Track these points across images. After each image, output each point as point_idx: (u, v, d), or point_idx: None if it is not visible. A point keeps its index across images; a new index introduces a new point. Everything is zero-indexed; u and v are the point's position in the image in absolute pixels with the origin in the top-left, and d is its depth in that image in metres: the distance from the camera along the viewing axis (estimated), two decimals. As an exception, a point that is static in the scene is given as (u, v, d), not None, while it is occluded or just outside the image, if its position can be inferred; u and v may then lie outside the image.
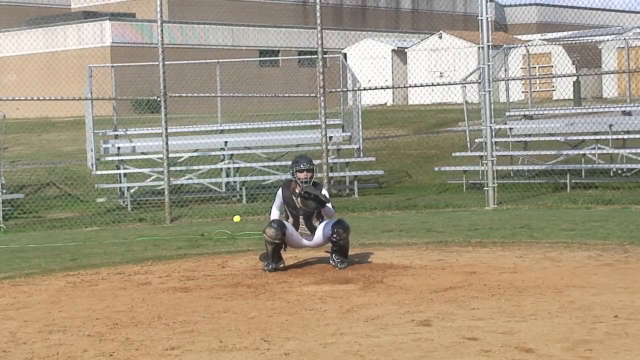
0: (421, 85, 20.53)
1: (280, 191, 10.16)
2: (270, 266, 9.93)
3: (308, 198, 9.89)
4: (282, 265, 10.02)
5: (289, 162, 20.98)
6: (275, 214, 10.17)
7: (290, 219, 10.10)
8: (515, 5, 70.46)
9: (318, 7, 16.63)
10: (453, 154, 20.41)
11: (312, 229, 10.12)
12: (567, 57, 40.47)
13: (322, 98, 16.99)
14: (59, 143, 28.21)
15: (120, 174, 19.76)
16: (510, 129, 20.81)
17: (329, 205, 10.05)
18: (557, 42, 40.04)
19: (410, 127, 29.47)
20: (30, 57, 48.64)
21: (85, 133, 21.15)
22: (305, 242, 10.19)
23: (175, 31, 49.20)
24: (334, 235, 9.93)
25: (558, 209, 15.56)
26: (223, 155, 20.47)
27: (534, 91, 30.92)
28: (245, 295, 8.57)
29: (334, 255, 10.05)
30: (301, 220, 10.10)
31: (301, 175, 9.96)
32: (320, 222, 10.13)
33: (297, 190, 9.96)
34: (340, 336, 6.80)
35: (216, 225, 14.76)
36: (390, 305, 7.87)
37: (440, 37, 49.57)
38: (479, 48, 17.34)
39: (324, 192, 10.10)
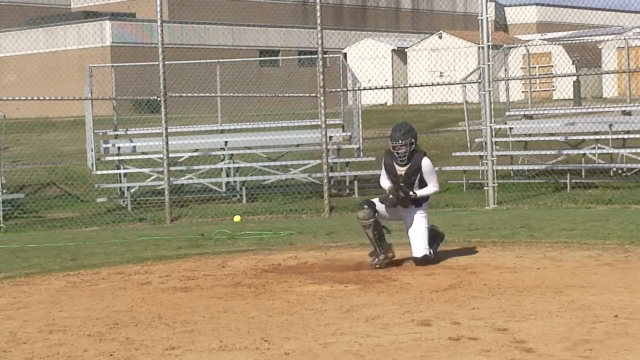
0: (421, 85, 20.54)
1: (383, 158, 9.91)
2: (377, 260, 9.68)
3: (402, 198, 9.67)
4: (391, 255, 9.74)
5: (289, 162, 21.10)
6: (385, 183, 9.93)
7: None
8: (515, 5, 70.49)
9: (318, 7, 16.62)
10: (453, 154, 20.41)
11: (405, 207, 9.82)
12: (567, 57, 40.49)
13: (322, 98, 16.98)
14: (59, 143, 28.21)
15: (120, 173, 19.75)
16: (510, 128, 20.81)
17: (423, 192, 9.74)
18: (557, 42, 40.04)
19: (410, 127, 29.41)
20: (31, 57, 48.66)
21: (85, 133, 21.15)
22: (402, 213, 9.91)
23: (176, 31, 49.23)
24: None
25: (558, 208, 15.55)
26: (223, 155, 20.46)
27: (534, 91, 30.91)
28: (245, 295, 8.57)
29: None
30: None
31: (395, 150, 9.66)
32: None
33: (395, 165, 9.71)
34: (340, 336, 6.80)
35: (216, 225, 14.76)
36: (391, 305, 7.87)
37: (440, 37, 49.61)
38: (479, 48, 17.34)
39: (425, 168, 9.69)
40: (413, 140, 9.69)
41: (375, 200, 9.91)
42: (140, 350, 6.62)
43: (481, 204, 16.45)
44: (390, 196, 9.74)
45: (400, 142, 9.66)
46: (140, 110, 26.02)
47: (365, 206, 9.79)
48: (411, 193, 9.73)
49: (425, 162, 9.76)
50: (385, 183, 9.92)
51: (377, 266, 9.72)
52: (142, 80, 24.88)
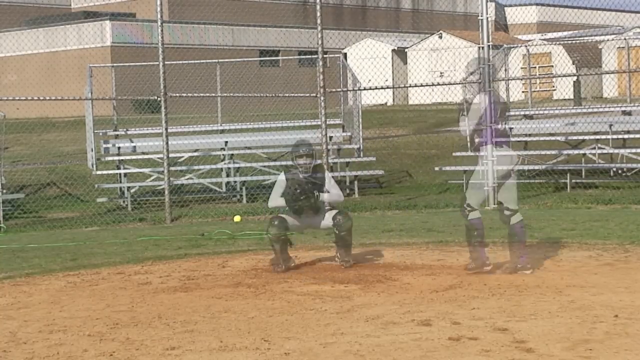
0: (421, 85, 20.54)
1: (282, 175, 10.11)
2: (282, 267, 9.91)
3: (310, 189, 9.87)
4: (292, 265, 10.05)
5: (289, 162, 21.08)
6: (276, 201, 10.09)
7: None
8: (516, 5, 70.45)
9: (318, 7, 16.62)
10: (453, 154, 20.39)
11: (317, 210, 10.02)
12: (567, 57, 40.46)
13: (322, 98, 16.98)
14: (59, 143, 28.19)
15: (120, 173, 19.75)
16: (511, 128, 20.78)
17: (331, 191, 9.97)
18: (557, 42, 40.03)
19: (410, 126, 29.46)
20: (31, 57, 48.64)
21: (86, 133, 21.15)
22: (312, 221, 10.08)
23: (176, 31, 49.23)
24: (335, 223, 9.89)
25: (558, 208, 15.55)
26: (223, 155, 20.46)
27: (534, 91, 30.92)
28: (245, 295, 8.57)
29: (338, 253, 10.05)
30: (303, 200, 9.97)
31: (301, 161, 9.91)
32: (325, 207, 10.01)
33: (300, 176, 9.88)
34: (340, 336, 6.80)
35: (216, 225, 14.76)
36: (391, 305, 7.88)
37: (441, 37, 49.58)
38: (479, 48, 17.32)
39: (328, 179, 10.05)
40: (314, 153, 10.12)
41: (284, 215, 10.01)
42: (141, 350, 6.63)
43: (481, 204, 16.42)
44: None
45: (307, 150, 10.04)
46: (140, 110, 26.02)
47: (275, 222, 9.88)
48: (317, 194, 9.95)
49: (329, 177, 10.15)
50: (276, 200, 10.07)
51: (279, 271, 9.82)
52: (142, 80, 24.89)
